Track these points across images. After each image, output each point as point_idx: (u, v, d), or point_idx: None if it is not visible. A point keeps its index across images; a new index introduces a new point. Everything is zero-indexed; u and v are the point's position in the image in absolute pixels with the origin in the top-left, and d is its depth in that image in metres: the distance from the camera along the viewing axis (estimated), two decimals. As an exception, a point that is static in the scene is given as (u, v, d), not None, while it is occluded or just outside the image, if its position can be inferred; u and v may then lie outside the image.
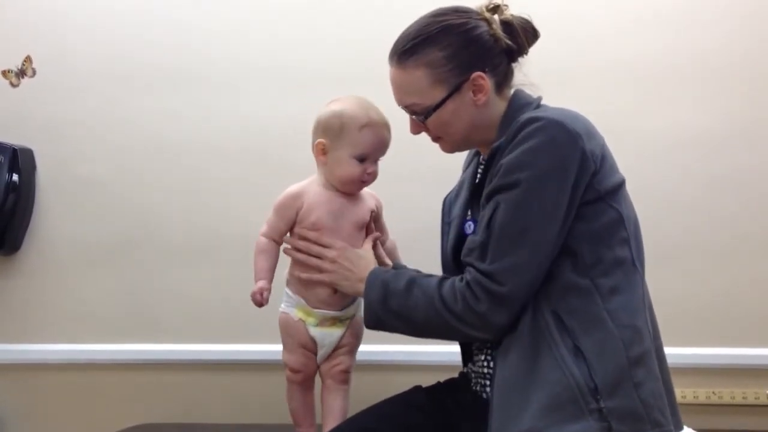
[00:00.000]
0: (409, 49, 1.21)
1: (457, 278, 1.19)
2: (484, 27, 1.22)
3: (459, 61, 1.20)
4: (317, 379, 1.47)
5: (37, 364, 1.92)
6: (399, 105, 1.27)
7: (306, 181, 1.42)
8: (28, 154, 1.91)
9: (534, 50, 1.27)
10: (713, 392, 1.77)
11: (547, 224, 1.11)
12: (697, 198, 1.80)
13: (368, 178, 1.37)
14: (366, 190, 1.44)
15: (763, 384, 1.77)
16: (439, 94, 1.21)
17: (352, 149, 1.34)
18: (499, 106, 1.25)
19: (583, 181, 1.12)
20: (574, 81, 1.79)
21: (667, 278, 1.75)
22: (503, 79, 1.26)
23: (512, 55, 1.25)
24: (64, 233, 1.92)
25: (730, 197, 1.80)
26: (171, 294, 1.90)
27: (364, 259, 1.34)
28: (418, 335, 1.28)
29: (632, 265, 1.16)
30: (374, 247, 1.41)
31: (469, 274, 1.16)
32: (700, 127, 1.80)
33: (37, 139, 1.93)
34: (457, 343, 1.39)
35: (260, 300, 1.36)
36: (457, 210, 1.35)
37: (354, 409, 1.41)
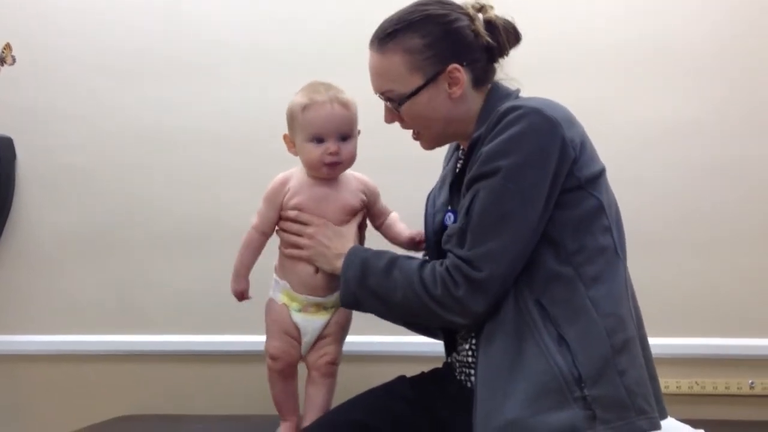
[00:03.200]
0: (390, 33, 1.22)
1: (437, 262, 1.19)
2: (465, 21, 1.22)
3: (437, 51, 1.21)
4: (303, 370, 1.46)
5: (20, 355, 1.91)
6: (376, 92, 1.27)
7: (294, 169, 1.42)
8: (8, 143, 1.88)
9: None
10: (696, 382, 1.78)
11: (526, 211, 1.12)
12: (681, 188, 1.80)
13: (333, 158, 1.34)
14: (356, 176, 1.43)
15: (747, 374, 1.78)
16: (415, 81, 1.21)
17: (304, 133, 1.35)
18: (476, 101, 1.25)
19: (563, 169, 1.13)
20: (559, 70, 1.78)
21: (651, 268, 1.75)
22: (482, 75, 1.26)
23: (492, 54, 1.25)
24: (46, 224, 1.90)
25: (715, 188, 1.79)
26: (156, 285, 1.89)
27: (344, 237, 1.34)
28: (395, 317, 1.28)
29: (615, 252, 1.17)
30: (382, 225, 1.44)
31: (449, 259, 1.16)
32: (685, 118, 1.80)
33: (17, 128, 1.90)
34: (441, 333, 1.40)
35: (241, 299, 1.42)
36: (440, 203, 1.35)
37: (338, 400, 1.40)
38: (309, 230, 1.35)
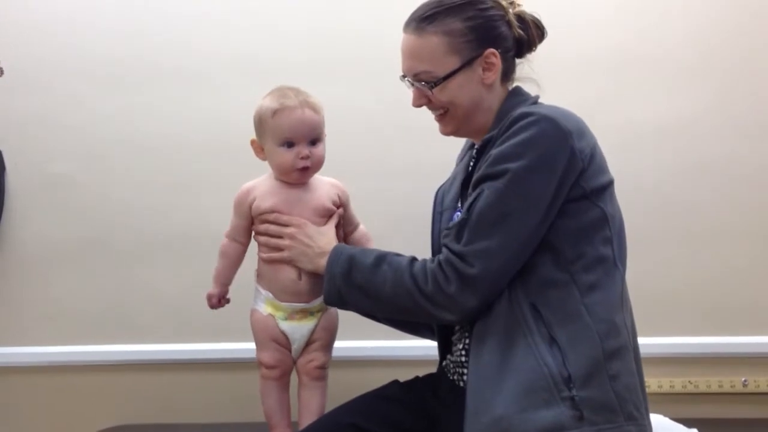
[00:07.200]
0: (430, 15, 1.23)
1: (429, 259, 1.20)
2: (500, 11, 1.26)
3: (476, 36, 1.23)
4: (293, 377, 1.45)
5: (8, 367, 1.89)
6: (407, 74, 1.27)
7: (261, 177, 1.42)
8: (-3, 154, 1.88)
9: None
10: (689, 381, 1.77)
11: (527, 215, 1.13)
12: (669, 187, 1.81)
13: (305, 162, 1.35)
14: (327, 180, 1.43)
15: (740, 372, 1.78)
16: (451, 64, 1.22)
17: (274, 138, 1.35)
18: (500, 95, 1.27)
19: (569, 179, 1.14)
20: (548, 71, 1.77)
21: (641, 267, 1.71)
22: (509, 67, 1.28)
23: (521, 48, 1.29)
24: (36, 233, 1.89)
25: (703, 186, 1.80)
26: (146, 293, 1.88)
27: (325, 236, 1.34)
28: (381, 314, 1.29)
29: (613, 263, 1.18)
30: (349, 235, 1.44)
31: (443, 254, 1.17)
32: (673, 117, 1.81)
33: (7, 139, 1.89)
34: (435, 335, 1.39)
35: (211, 306, 1.43)
36: (449, 200, 1.36)
37: (332, 404, 1.40)
38: (289, 230, 1.34)
